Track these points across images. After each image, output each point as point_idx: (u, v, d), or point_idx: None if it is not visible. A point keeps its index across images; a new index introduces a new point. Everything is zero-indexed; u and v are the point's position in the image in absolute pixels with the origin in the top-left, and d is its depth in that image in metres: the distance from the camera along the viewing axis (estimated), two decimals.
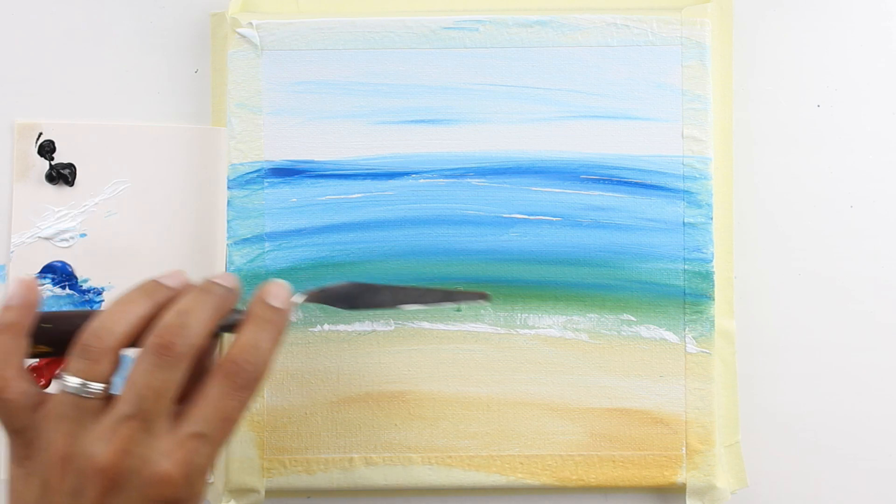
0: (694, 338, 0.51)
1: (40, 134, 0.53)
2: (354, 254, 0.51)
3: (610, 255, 0.51)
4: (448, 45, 0.51)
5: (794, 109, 0.53)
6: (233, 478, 0.51)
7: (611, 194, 0.51)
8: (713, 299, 0.51)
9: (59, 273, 0.52)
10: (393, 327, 0.51)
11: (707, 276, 0.51)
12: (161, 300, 0.40)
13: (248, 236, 0.51)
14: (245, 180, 0.51)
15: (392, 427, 0.51)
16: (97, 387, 0.38)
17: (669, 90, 0.51)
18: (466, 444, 0.51)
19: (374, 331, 0.51)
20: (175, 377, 0.38)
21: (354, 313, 0.51)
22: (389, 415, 0.51)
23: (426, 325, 0.51)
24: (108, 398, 0.39)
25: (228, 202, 0.51)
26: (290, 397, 0.51)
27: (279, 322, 0.41)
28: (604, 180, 0.51)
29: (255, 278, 0.51)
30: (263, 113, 0.51)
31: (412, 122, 0.51)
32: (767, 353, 0.53)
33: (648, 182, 0.51)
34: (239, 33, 0.51)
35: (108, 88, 0.53)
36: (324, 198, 0.51)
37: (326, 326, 0.51)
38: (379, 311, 0.51)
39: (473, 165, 0.51)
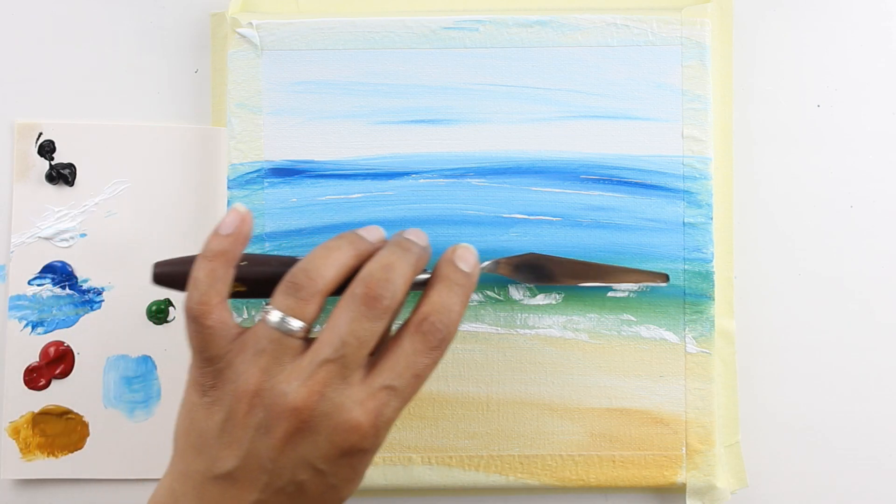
0: (694, 338, 0.51)
1: (40, 134, 0.53)
2: None
3: (610, 255, 0.51)
4: (448, 45, 0.51)
5: (794, 109, 0.53)
6: None
7: (611, 194, 0.51)
8: (713, 299, 0.51)
9: (59, 273, 0.52)
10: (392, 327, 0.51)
11: (707, 276, 0.51)
12: (364, 252, 0.41)
13: None
14: (245, 180, 0.51)
15: (392, 427, 0.51)
16: (300, 325, 0.39)
17: (669, 90, 0.51)
18: (466, 444, 0.51)
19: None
20: (379, 328, 0.39)
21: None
22: None
23: None
24: (307, 340, 0.39)
25: (228, 202, 0.51)
26: None
27: (468, 286, 0.41)
28: (604, 180, 0.51)
29: None
30: (263, 113, 0.51)
31: (412, 122, 0.51)
32: (767, 353, 0.53)
33: (648, 182, 0.51)
34: (239, 33, 0.51)
35: (108, 88, 0.53)
36: (324, 198, 0.51)
37: None
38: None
39: (473, 165, 0.51)
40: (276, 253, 0.51)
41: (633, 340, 0.51)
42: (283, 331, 0.39)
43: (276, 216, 0.51)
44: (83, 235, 0.52)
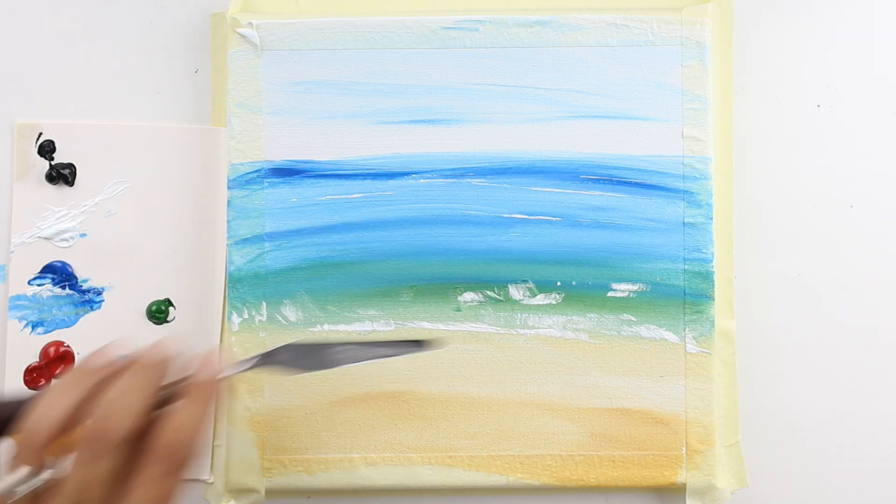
0: (694, 338, 0.51)
1: (40, 134, 0.53)
2: (354, 254, 0.51)
3: (610, 255, 0.51)
4: (448, 45, 0.51)
5: (794, 109, 0.53)
6: (233, 478, 0.51)
7: (611, 194, 0.51)
8: (713, 299, 0.51)
9: (59, 273, 0.52)
10: (393, 327, 0.51)
11: (707, 276, 0.51)
12: (93, 384, 0.40)
13: (248, 236, 0.51)
14: (245, 180, 0.51)
15: (392, 427, 0.51)
16: (27, 486, 0.39)
17: (669, 90, 0.51)
18: (466, 444, 0.51)
19: (374, 331, 0.51)
20: (105, 466, 0.38)
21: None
22: (389, 415, 0.51)
23: (426, 325, 0.51)
24: (44, 490, 0.39)
25: (228, 202, 0.51)
26: (290, 397, 0.51)
27: (210, 395, 0.41)
28: (604, 180, 0.51)
29: (255, 278, 0.51)
30: (263, 113, 0.51)
31: (412, 122, 0.51)
32: (767, 353, 0.53)
33: (648, 182, 0.51)
34: (239, 33, 0.51)
35: (108, 88, 0.53)
36: (324, 198, 0.51)
37: (326, 326, 0.51)
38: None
39: (473, 165, 0.51)
40: (274, 253, 0.51)
41: (633, 340, 0.51)
42: (11, 495, 0.39)
43: (276, 216, 0.51)
44: (83, 235, 0.52)
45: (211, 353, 0.42)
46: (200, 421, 0.40)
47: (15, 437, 0.39)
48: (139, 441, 0.40)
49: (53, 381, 0.41)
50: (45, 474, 0.39)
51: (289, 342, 0.46)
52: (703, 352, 0.51)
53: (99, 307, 0.52)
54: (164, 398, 0.40)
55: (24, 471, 0.39)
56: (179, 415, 0.40)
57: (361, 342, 0.48)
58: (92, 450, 0.38)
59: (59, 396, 0.40)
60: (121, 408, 0.39)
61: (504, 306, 0.51)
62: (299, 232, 0.51)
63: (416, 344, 0.46)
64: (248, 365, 0.44)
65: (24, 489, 0.39)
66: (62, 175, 0.52)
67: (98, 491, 0.38)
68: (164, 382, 0.41)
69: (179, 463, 0.39)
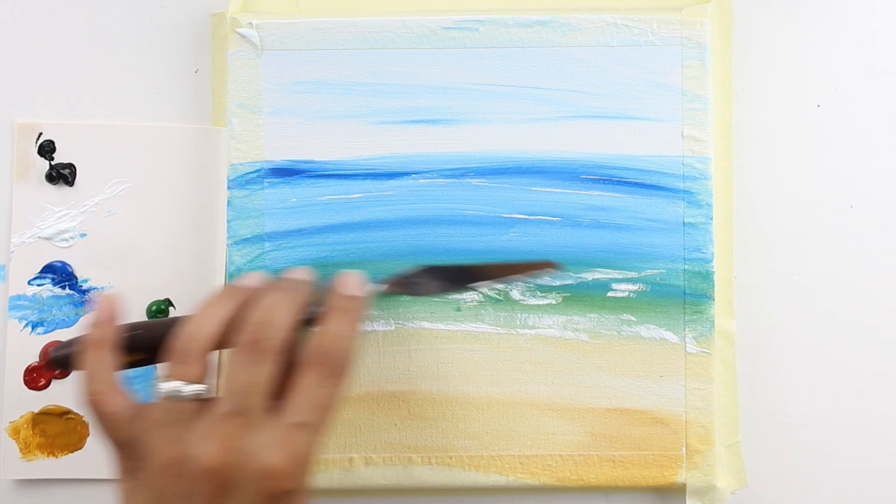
0: (694, 338, 0.51)
1: (40, 134, 0.53)
2: (354, 254, 0.51)
3: (610, 255, 0.51)
4: (448, 45, 0.51)
5: (794, 109, 0.53)
6: None
7: (611, 194, 0.51)
8: (713, 299, 0.51)
9: (59, 273, 0.52)
10: (393, 327, 0.51)
11: (707, 276, 0.51)
12: (242, 300, 0.42)
13: (248, 236, 0.51)
14: (245, 180, 0.51)
15: (392, 427, 0.51)
16: (192, 388, 0.40)
17: (669, 90, 0.51)
18: (466, 444, 0.51)
19: (374, 331, 0.51)
20: (267, 370, 0.39)
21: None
22: (389, 415, 0.51)
23: (426, 325, 0.51)
24: (205, 400, 0.40)
25: (228, 202, 0.51)
26: None
27: (355, 309, 0.42)
28: (604, 180, 0.51)
29: None
30: (263, 113, 0.51)
31: (412, 122, 0.51)
32: (767, 353, 0.53)
33: (648, 182, 0.51)
34: (239, 33, 0.51)
35: (108, 88, 0.53)
36: (324, 198, 0.51)
37: None
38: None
39: (473, 165, 0.51)
40: (274, 253, 0.51)
41: (633, 340, 0.51)
42: (178, 398, 0.39)
43: (276, 216, 0.51)
44: (83, 235, 0.52)
45: (350, 273, 0.44)
46: (351, 332, 0.42)
47: (173, 347, 0.40)
48: (293, 354, 0.41)
49: (206, 298, 0.42)
50: (205, 383, 0.40)
51: (425, 264, 0.48)
52: (703, 352, 0.51)
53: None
54: (310, 317, 0.42)
55: (185, 379, 0.40)
56: (330, 327, 0.41)
57: (496, 263, 0.50)
58: (251, 356, 0.39)
59: (213, 309, 0.41)
60: (275, 318, 0.40)
61: (504, 306, 0.51)
62: (299, 232, 0.51)
63: (548, 266, 0.49)
64: (386, 286, 0.47)
65: (187, 395, 0.39)
66: (62, 175, 0.52)
67: (259, 397, 0.39)
68: (309, 301, 0.43)
69: (338, 370, 0.40)
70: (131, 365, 0.43)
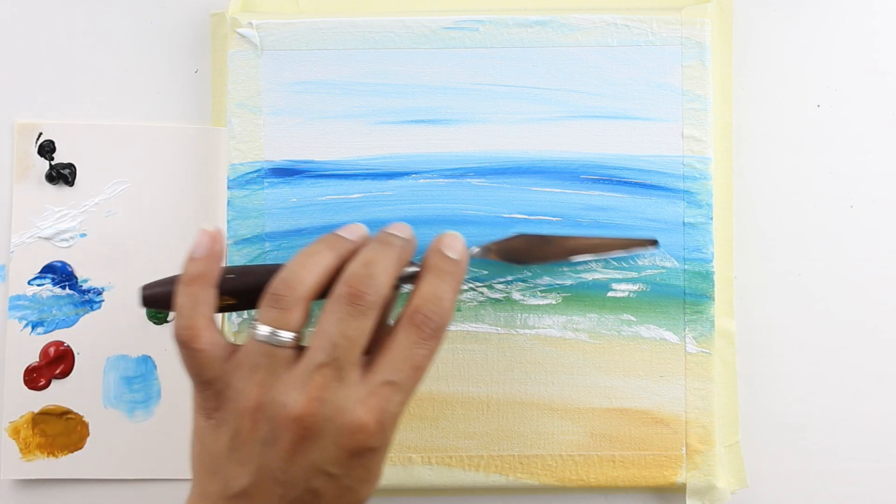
0: (694, 338, 0.51)
1: (40, 134, 0.53)
2: None
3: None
4: (448, 45, 0.51)
5: (794, 109, 0.53)
6: None
7: (611, 194, 0.51)
8: (713, 299, 0.51)
9: (59, 273, 0.52)
10: None
11: (707, 276, 0.51)
12: (344, 252, 0.41)
13: (248, 236, 0.51)
14: (245, 180, 0.51)
15: (399, 422, 0.51)
16: (289, 335, 0.39)
17: (669, 90, 0.51)
18: (466, 444, 0.51)
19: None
20: (367, 325, 0.39)
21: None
22: None
23: None
24: (298, 348, 0.39)
25: (228, 202, 0.51)
26: None
27: (457, 273, 0.41)
28: (604, 180, 0.51)
29: None
30: (263, 113, 0.51)
31: (412, 122, 0.51)
32: (767, 353, 0.53)
33: (648, 182, 0.51)
34: (239, 33, 0.51)
35: (108, 88, 0.53)
36: (324, 198, 0.51)
37: None
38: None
39: (473, 165, 0.51)
40: (274, 253, 0.51)
41: (633, 340, 0.51)
42: (272, 343, 0.39)
43: (276, 216, 0.51)
44: (83, 235, 0.52)
45: (451, 234, 0.42)
46: (449, 294, 0.40)
47: (272, 292, 0.39)
48: (387, 310, 0.40)
49: (304, 247, 0.41)
50: (301, 331, 0.39)
51: (521, 232, 0.49)
52: (703, 352, 0.51)
53: (99, 307, 0.52)
54: (408, 276, 0.41)
55: (282, 325, 0.39)
56: (429, 288, 0.40)
57: (597, 237, 0.50)
58: (351, 309, 0.38)
59: (314, 257, 0.40)
60: (377, 272, 0.39)
61: (504, 306, 0.51)
62: (299, 232, 0.51)
63: (650, 244, 0.49)
64: (483, 251, 0.47)
65: (283, 342, 0.39)
66: (62, 175, 0.52)
67: (354, 352, 0.39)
68: (410, 258, 0.42)
69: (435, 333, 0.40)
70: (221, 309, 0.42)
